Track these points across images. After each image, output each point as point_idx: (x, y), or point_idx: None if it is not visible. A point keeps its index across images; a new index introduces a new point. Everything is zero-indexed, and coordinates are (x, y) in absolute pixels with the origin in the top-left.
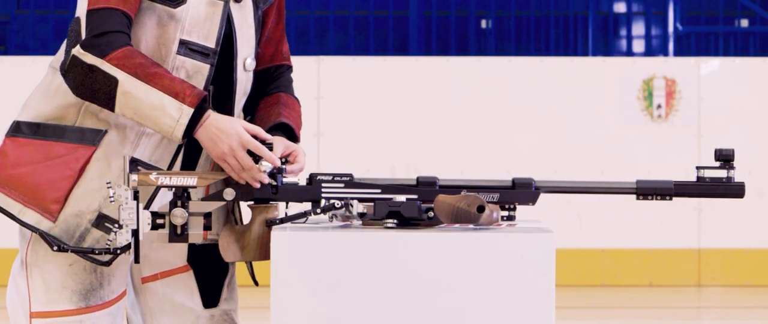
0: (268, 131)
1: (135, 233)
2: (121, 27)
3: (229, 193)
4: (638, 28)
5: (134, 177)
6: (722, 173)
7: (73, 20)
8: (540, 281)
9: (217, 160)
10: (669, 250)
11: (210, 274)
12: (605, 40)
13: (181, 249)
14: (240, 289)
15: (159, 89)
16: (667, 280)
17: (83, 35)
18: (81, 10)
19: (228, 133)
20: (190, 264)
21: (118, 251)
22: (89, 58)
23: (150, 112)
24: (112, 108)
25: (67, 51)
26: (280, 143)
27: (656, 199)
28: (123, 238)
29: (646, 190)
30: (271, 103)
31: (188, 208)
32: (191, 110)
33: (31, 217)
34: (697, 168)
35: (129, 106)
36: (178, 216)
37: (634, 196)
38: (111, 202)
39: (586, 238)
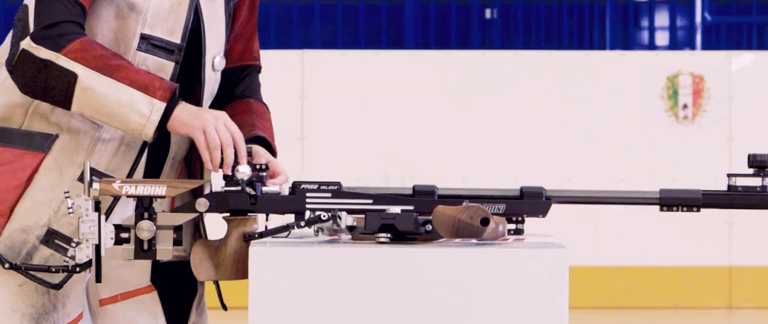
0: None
1: (96, 249)
2: (73, 17)
3: (202, 204)
4: (662, 19)
5: (96, 185)
6: (756, 181)
7: (20, 8)
8: (552, 302)
9: (196, 130)
10: (697, 268)
11: (176, 295)
12: (625, 31)
13: (144, 267)
14: (210, 312)
15: (125, 83)
16: (695, 301)
17: (31, 26)
18: None
19: (210, 111)
20: (154, 284)
21: (78, 269)
22: (43, 53)
23: (116, 110)
24: (68, 106)
25: (14, 43)
26: (264, 155)
27: (682, 210)
28: (83, 254)
29: (671, 201)
30: (242, 111)
31: (156, 221)
32: (163, 105)
33: None
34: (728, 175)
35: (90, 103)
36: (145, 229)
37: (658, 207)
38: (70, 213)
39: (604, 255)
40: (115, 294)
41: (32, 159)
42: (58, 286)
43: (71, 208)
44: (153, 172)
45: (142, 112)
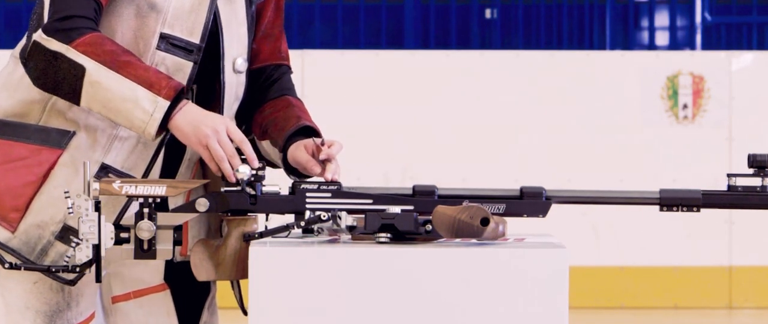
0: (290, 136)
1: (96, 249)
2: (87, 12)
3: (203, 204)
4: (662, 19)
5: (95, 185)
6: (756, 181)
7: (36, 3)
8: (552, 303)
9: (197, 145)
10: (696, 268)
11: (189, 294)
12: (625, 31)
13: (158, 266)
14: (220, 312)
15: (131, 79)
16: (695, 301)
17: (46, 19)
18: None
19: (211, 117)
20: (167, 282)
21: (78, 269)
22: (53, 45)
23: (121, 105)
24: (77, 101)
25: (28, 36)
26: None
27: (682, 210)
28: (83, 254)
29: (671, 201)
30: (283, 106)
31: (156, 221)
32: (167, 103)
33: None
34: (729, 175)
35: (97, 98)
36: (145, 229)
37: (658, 207)
38: (70, 213)
39: (603, 255)
40: (128, 292)
41: (49, 155)
42: (72, 283)
43: (71, 207)
44: (169, 172)
45: (146, 109)
